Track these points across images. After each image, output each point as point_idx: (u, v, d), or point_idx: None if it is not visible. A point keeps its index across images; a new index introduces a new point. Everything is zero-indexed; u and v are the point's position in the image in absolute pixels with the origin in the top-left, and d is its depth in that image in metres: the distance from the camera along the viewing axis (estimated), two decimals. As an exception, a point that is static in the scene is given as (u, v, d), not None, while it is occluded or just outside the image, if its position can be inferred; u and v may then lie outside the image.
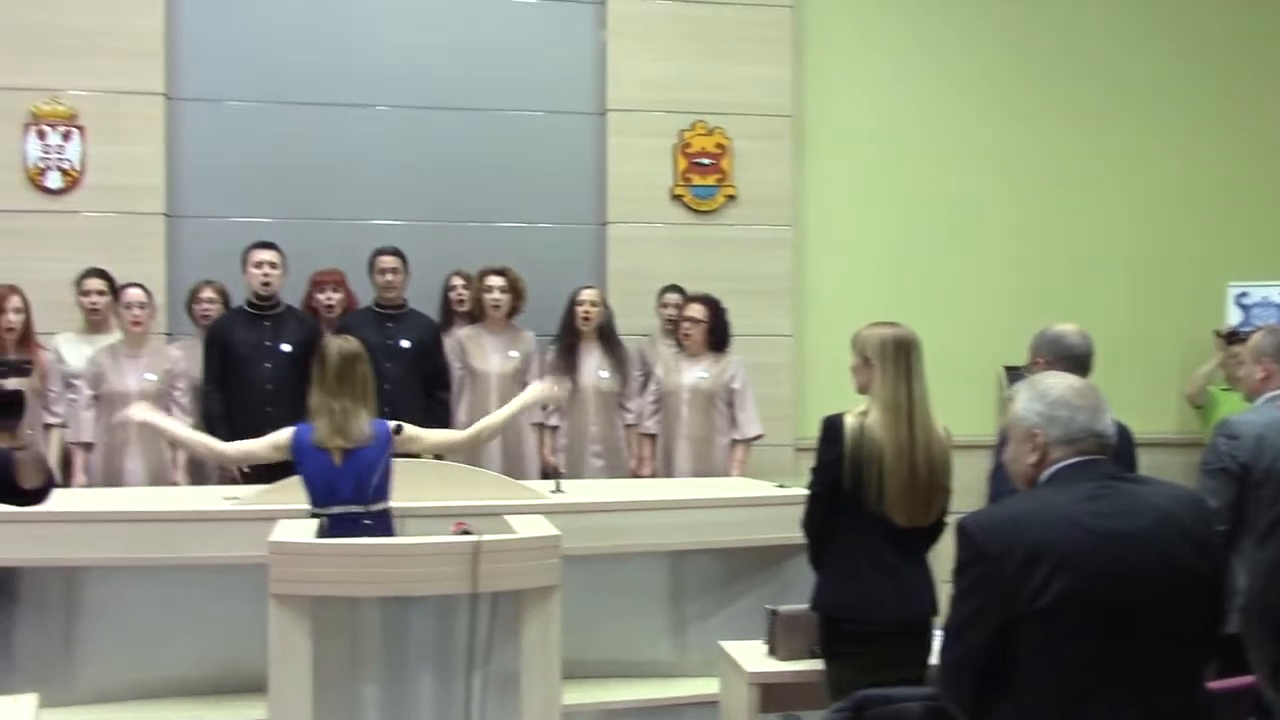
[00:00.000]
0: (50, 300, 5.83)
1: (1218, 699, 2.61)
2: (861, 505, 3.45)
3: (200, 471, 5.83)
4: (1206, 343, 7.15)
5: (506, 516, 4.31)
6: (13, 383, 3.33)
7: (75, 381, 5.67)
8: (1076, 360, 3.70)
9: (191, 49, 6.53)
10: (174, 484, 5.62)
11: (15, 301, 5.56)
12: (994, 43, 7.39)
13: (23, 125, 6.27)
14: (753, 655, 3.87)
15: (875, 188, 7.25)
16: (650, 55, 6.86)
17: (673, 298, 6.41)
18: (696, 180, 6.91)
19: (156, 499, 5.05)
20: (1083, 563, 2.35)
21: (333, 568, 3.77)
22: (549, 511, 4.52)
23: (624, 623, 5.04)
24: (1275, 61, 7.68)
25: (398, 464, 4.26)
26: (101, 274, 5.87)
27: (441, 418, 5.92)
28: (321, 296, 6.14)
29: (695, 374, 6.09)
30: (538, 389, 4.70)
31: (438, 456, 4.93)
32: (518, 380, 6.06)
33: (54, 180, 6.30)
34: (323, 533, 4.02)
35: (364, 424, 4.09)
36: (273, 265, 5.77)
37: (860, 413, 3.52)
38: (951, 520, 3.50)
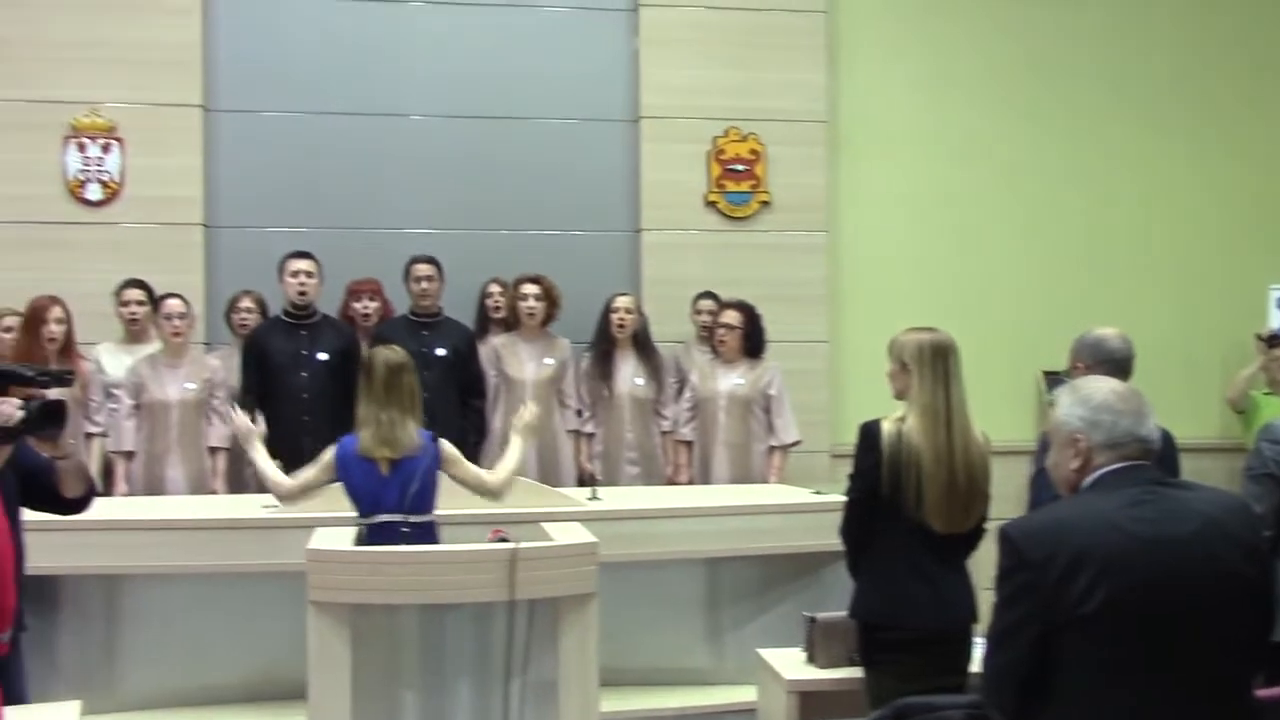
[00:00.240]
0: (90, 311, 5.89)
1: (1265, 707, 2.57)
2: (900, 512, 3.43)
3: (239, 480, 5.87)
4: (1248, 346, 7.07)
5: (543, 524, 4.32)
6: (54, 393, 3.37)
7: (116, 391, 5.71)
8: (1117, 364, 3.66)
9: (227, 61, 6.59)
10: (213, 492, 5.66)
11: (57, 312, 5.61)
12: (1029, 46, 7.34)
13: (63, 138, 6.35)
14: (791, 663, 3.84)
15: (910, 192, 7.22)
16: (683, 62, 6.86)
17: (707, 304, 6.40)
18: (730, 186, 6.90)
19: (196, 507, 5.09)
20: (1127, 569, 2.32)
21: (371, 575, 3.78)
22: (585, 519, 4.53)
23: (660, 630, 5.03)
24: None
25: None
26: (141, 284, 5.92)
27: (477, 425, 5.94)
28: (358, 305, 6.17)
29: (731, 380, 6.08)
30: (525, 420, 4.44)
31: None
32: (553, 388, 6.08)
33: (94, 192, 6.37)
34: (361, 541, 4.03)
35: (411, 434, 4.08)
36: (309, 275, 5.80)
37: (898, 419, 3.49)
38: (991, 527, 3.50)
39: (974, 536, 3.54)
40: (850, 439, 3.63)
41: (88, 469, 3.69)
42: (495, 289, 6.32)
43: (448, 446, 4.19)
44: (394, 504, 4.05)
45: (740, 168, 6.91)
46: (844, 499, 3.66)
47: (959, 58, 7.29)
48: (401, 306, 6.20)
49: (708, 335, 6.28)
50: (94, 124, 6.37)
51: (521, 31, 6.84)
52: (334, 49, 6.69)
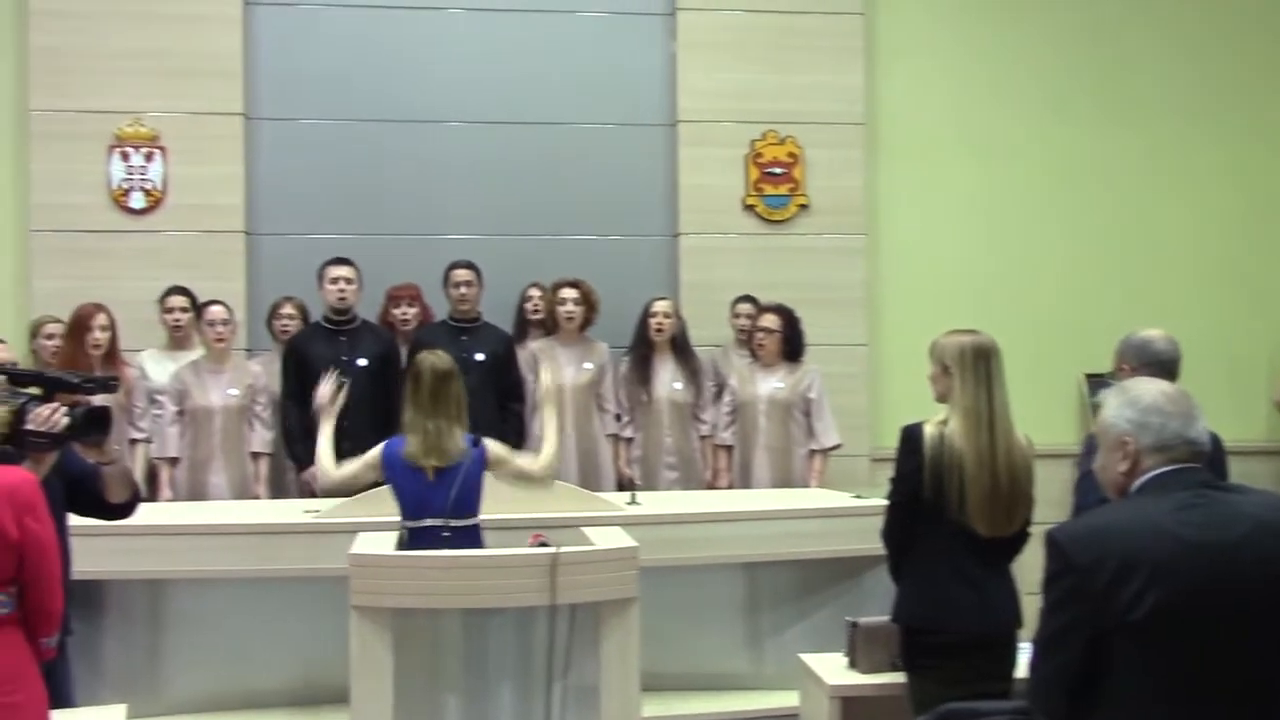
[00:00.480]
0: (134, 318, 5.95)
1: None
2: (942, 515, 3.40)
3: (281, 485, 5.91)
4: (1294, 347, 6.99)
5: (584, 528, 4.32)
6: (99, 399, 3.41)
7: (160, 397, 5.77)
8: (1164, 366, 3.61)
9: (268, 69, 6.64)
10: (256, 497, 5.70)
11: (101, 320, 5.67)
12: (1066, 45, 7.27)
13: (107, 147, 6.41)
14: (833, 668, 3.82)
15: (949, 194, 7.17)
16: (720, 66, 6.85)
17: (745, 308, 6.39)
18: (768, 190, 6.89)
19: (239, 512, 5.12)
20: (1177, 574, 2.29)
21: (412, 580, 3.80)
22: (625, 523, 4.53)
23: (699, 635, 5.02)
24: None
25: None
26: (184, 291, 5.98)
27: (516, 430, 5.95)
28: (397, 312, 6.20)
29: (771, 384, 6.06)
30: (545, 385, 4.51)
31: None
32: (591, 392, 6.09)
33: (137, 200, 6.43)
34: (403, 545, 4.05)
35: (458, 441, 4.09)
36: (348, 281, 5.84)
37: (940, 421, 3.46)
38: (1034, 530, 3.47)
39: (1018, 540, 3.51)
40: (890, 443, 3.61)
41: (132, 475, 3.72)
42: (534, 293, 6.34)
43: (493, 447, 4.21)
44: (439, 508, 4.06)
45: (778, 171, 6.89)
46: (885, 503, 3.64)
47: (996, 58, 7.24)
48: (441, 311, 6.22)
49: (746, 339, 6.26)
50: (137, 133, 6.43)
51: (559, 36, 6.86)
52: (373, 56, 6.73)
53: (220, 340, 5.75)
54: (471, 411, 4.24)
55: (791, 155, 6.90)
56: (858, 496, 5.35)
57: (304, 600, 4.64)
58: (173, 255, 6.36)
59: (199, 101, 6.46)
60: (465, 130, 6.79)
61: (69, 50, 6.36)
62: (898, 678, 3.62)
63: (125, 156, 6.43)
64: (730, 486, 6.10)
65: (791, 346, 6.08)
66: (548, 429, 4.40)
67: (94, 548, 4.03)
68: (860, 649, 3.78)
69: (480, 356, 5.90)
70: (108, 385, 3.49)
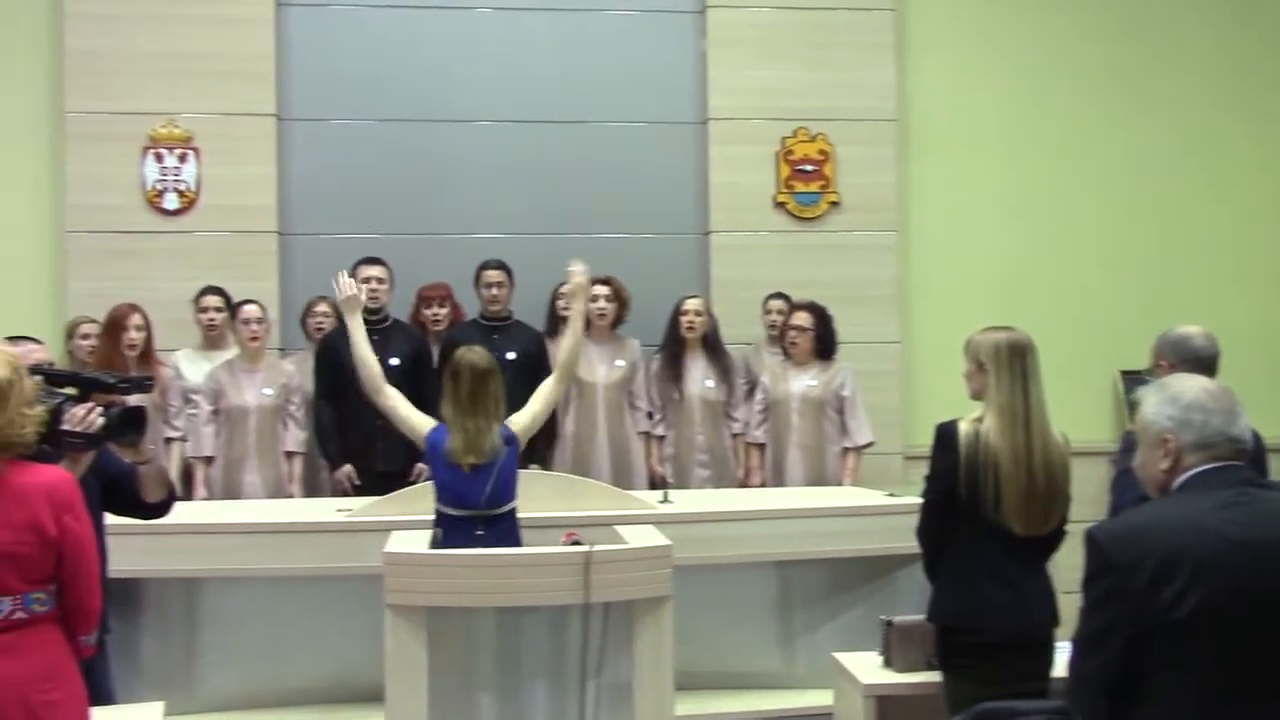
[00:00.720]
0: (168, 318, 5.99)
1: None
2: (978, 514, 3.38)
3: (315, 484, 5.94)
4: (1334, 343, 6.90)
5: (616, 527, 4.32)
6: (134, 399, 3.43)
7: (194, 396, 5.80)
8: (1202, 363, 3.57)
9: (299, 70, 6.68)
10: (290, 497, 5.73)
11: (136, 320, 5.71)
12: (1098, 39, 7.22)
13: (141, 149, 6.46)
14: (868, 667, 3.80)
15: (981, 190, 7.13)
16: (751, 63, 6.84)
17: (777, 305, 6.37)
18: (799, 187, 6.86)
19: (273, 511, 5.15)
20: (1220, 573, 2.26)
21: (447, 578, 3.81)
22: (658, 522, 4.53)
23: (732, 633, 5.00)
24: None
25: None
26: (219, 291, 6.02)
27: (548, 429, 5.93)
28: (428, 312, 6.21)
29: (804, 382, 6.04)
30: (577, 281, 4.59)
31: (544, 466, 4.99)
32: (623, 390, 6.09)
33: (171, 201, 6.48)
34: (436, 544, 4.06)
35: (495, 439, 4.11)
36: (380, 281, 5.85)
37: (975, 419, 3.44)
38: (1071, 529, 3.44)
39: (1054, 538, 3.49)
40: (922, 440, 3.60)
41: (168, 474, 3.75)
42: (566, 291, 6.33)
43: (518, 422, 4.26)
44: (474, 502, 4.08)
45: (809, 168, 6.87)
46: (919, 501, 3.62)
47: (1028, 52, 7.19)
48: (472, 311, 6.23)
49: (778, 336, 6.24)
50: (171, 134, 6.48)
51: (589, 35, 6.86)
52: (403, 57, 6.75)
53: (255, 339, 5.78)
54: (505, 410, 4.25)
55: (822, 152, 6.87)
56: (890, 495, 5.32)
57: (338, 599, 4.65)
58: (206, 256, 6.41)
59: (232, 103, 6.50)
60: (496, 129, 6.80)
61: (103, 53, 6.41)
62: (933, 677, 3.60)
63: (159, 158, 6.47)
64: (763, 484, 6.08)
65: (824, 344, 6.06)
66: (571, 328, 4.55)
67: (130, 546, 4.06)
68: (895, 648, 3.77)
69: (512, 355, 5.89)
70: (143, 385, 3.52)
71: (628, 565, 3.85)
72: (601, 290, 6.09)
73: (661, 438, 6.17)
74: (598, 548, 3.82)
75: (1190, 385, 2.49)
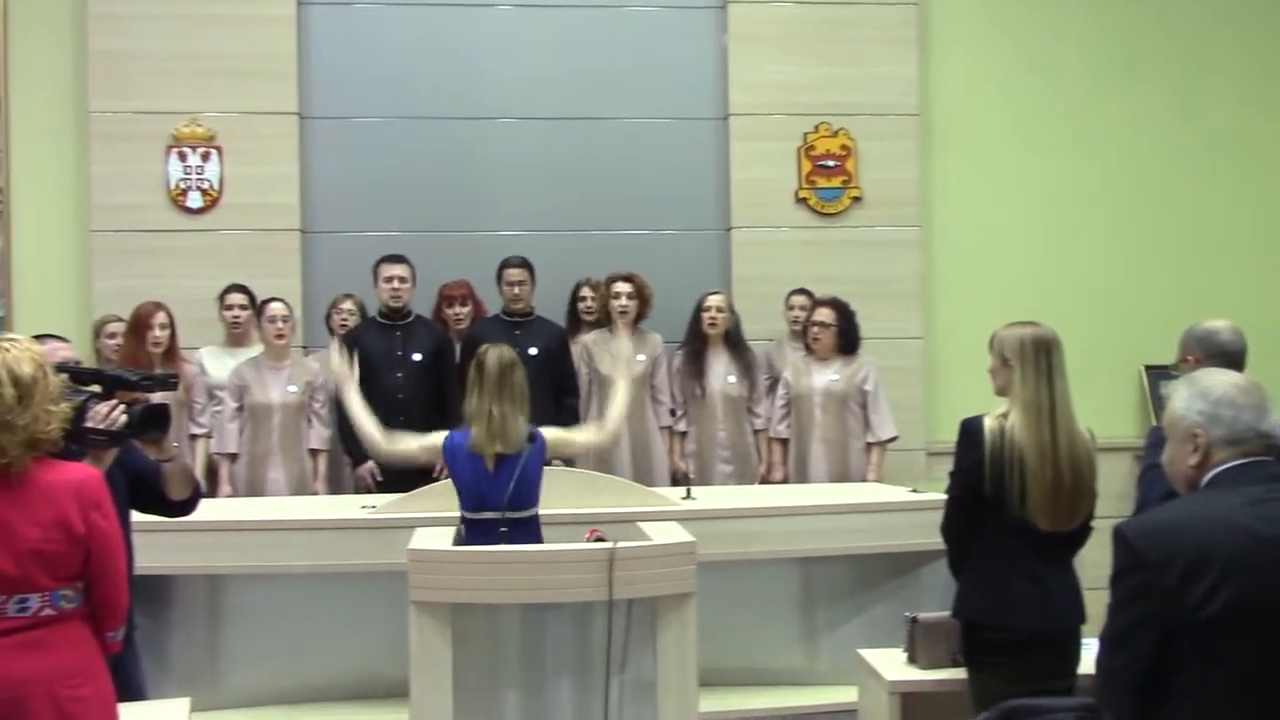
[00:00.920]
0: (192, 316, 6.01)
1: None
2: (1003, 510, 3.36)
3: (339, 481, 5.96)
4: (1361, 336, 6.83)
5: (640, 523, 4.32)
6: (158, 397, 3.44)
7: (219, 393, 5.83)
8: (1229, 358, 3.54)
9: (322, 69, 6.69)
10: (314, 493, 5.75)
11: (161, 318, 5.73)
12: (1121, 32, 7.17)
13: (165, 148, 6.49)
14: (892, 663, 3.79)
15: (1004, 184, 7.09)
16: (772, 58, 6.82)
17: (800, 301, 6.35)
18: (821, 183, 6.84)
19: (297, 508, 5.17)
20: (1250, 570, 2.24)
21: (471, 575, 3.82)
22: (680, 518, 4.52)
23: (755, 630, 5.00)
24: None
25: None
26: (243, 289, 6.04)
27: (570, 424, 5.94)
28: (450, 311, 6.22)
29: (827, 377, 6.02)
30: (625, 359, 4.59)
31: (567, 462, 4.97)
32: (645, 384, 6.08)
33: (194, 200, 6.51)
34: (460, 541, 4.06)
35: (521, 430, 4.11)
36: (402, 280, 5.87)
37: (1000, 415, 3.42)
38: (1097, 525, 3.42)
39: (1080, 535, 3.47)
40: (946, 436, 3.59)
41: (193, 472, 3.76)
42: (588, 292, 6.33)
43: (552, 436, 4.24)
44: (497, 501, 4.07)
45: (831, 163, 6.85)
46: (942, 497, 3.60)
47: (1051, 46, 7.14)
48: (494, 307, 6.24)
49: (801, 332, 6.23)
50: (194, 133, 6.51)
51: (610, 32, 6.85)
52: (425, 54, 6.76)
53: (280, 337, 5.80)
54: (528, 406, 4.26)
55: (844, 147, 6.85)
56: (914, 491, 5.31)
57: (362, 595, 4.67)
58: (229, 254, 6.43)
59: (254, 101, 6.52)
60: (518, 126, 6.81)
61: (127, 53, 6.44)
62: (958, 674, 3.59)
63: (183, 157, 6.50)
64: (785, 480, 6.07)
65: (847, 340, 6.04)
66: (618, 396, 4.43)
67: (155, 543, 4.08)
68: (920, 644, 3.75)
69: (534, 351, 5.90)
70: (167, 383, 3.53)
71: (651, 562, 3.85)
72: (624, 288, 6.09)
73: (684, 434, 6.17)
74: (621, 544, 3.82)
75: (1220, 380, 2.47)
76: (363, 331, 5.95)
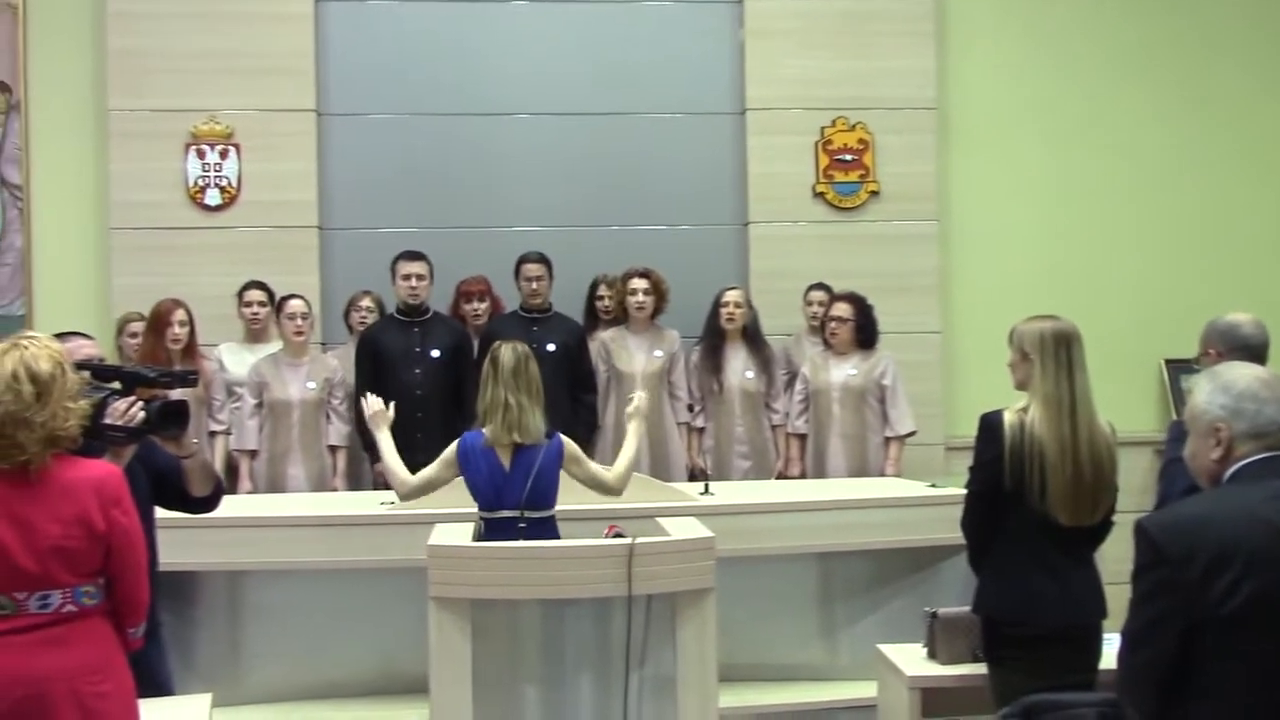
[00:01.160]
0: (211, 313, 6.04)
1: None
2: (1023, 505, 3.35)
3: (358, 478, 5.97)
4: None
5: (658, 519, 4.32)
6: (177, 393, 3.46)
7: (238, 390, 5.85)
8: (1252, 351, 3.51)
9: (339, 66, 6.70)
10: (334, 490, 5.76)
11: (180, 315, 5.75)
12: (1141, 23, 7.12)
13: (183, 145, 6.51)
14: (912, 659, 3.78)
15: (1023, 178, 7.06)
16: (789, 53, 6.79)
17: (818, 295, 6.33)
18: (839, 177, 6.82)
19: (316, 504, 5.18)
20: (1273, 565, 2.23)
21: (490, 571, 3.83)
22: (699, 513, 4.52)
23: (774, 625, 4.99)
24: None
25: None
26: (262, 286, 6.06)
27: (588, 420, 5.96)
28: (468, 307, 6.23)
29: (845, 372, 6.00)
30: (637, 405, 4.54)
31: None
32: (662, 380, 6.08)
33: (213, 197, 6.53)
34: (479, 536, 4.07)
35: (538, 423, 4.12)
36: (420, 277, 5.88)
37: (1020, 409, 3.41)
38: (1118, 520, 3.41)
39: (1102, 529, 3.46)
40: (964, 431, 3.58)
41: (214, 468, 3.77)
42: (605, 291, 6.33)
43: (571, 444, 4.24)
44: (515, 499, 4.07)
45: (848, 158, 6.82)
46: (961, 492, 3.59)
47: (1070, 39, 7.10)
48: (512, 303, 6.24)
49: (819, 327, 6.21)
50: (212, 131, 6.53)
51: (626, 26, 6.84)
52: (441, 50, 6.76)
53: (299, 334, 5.82)
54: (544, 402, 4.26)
55: (862, 141, 6.83)
56: (933, 485, 5.29)
57: (382, 591, 4.68)
58: (247, 251, 6.45)
59: (272, 98, 6.54)
60: (534, 122, 6.81)
61: (145, 51, 6.46)
62: (978, 669, 3.58)
63: (201, 154, 6.52)
64: (803, 475, 6.06)
65: (865, 334, 6.02)
66: (630, 441, 4.42)
67: (175, 540, 4.09)
68: (940, 639, 3.74)
69: (551, 347, 5.90)
70: (186, 379, 3.55)
71: (670, 557, 3.85)
72: (640, 284, 6.09)
73: (701, 429, 6.17)
74: (640, 540, 3.82)
75: (1243, 373, 2.46)
76: (381, 328, 5.97)
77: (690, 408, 6.14)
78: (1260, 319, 3.70)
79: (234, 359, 5.96)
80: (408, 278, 5.88)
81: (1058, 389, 3.39)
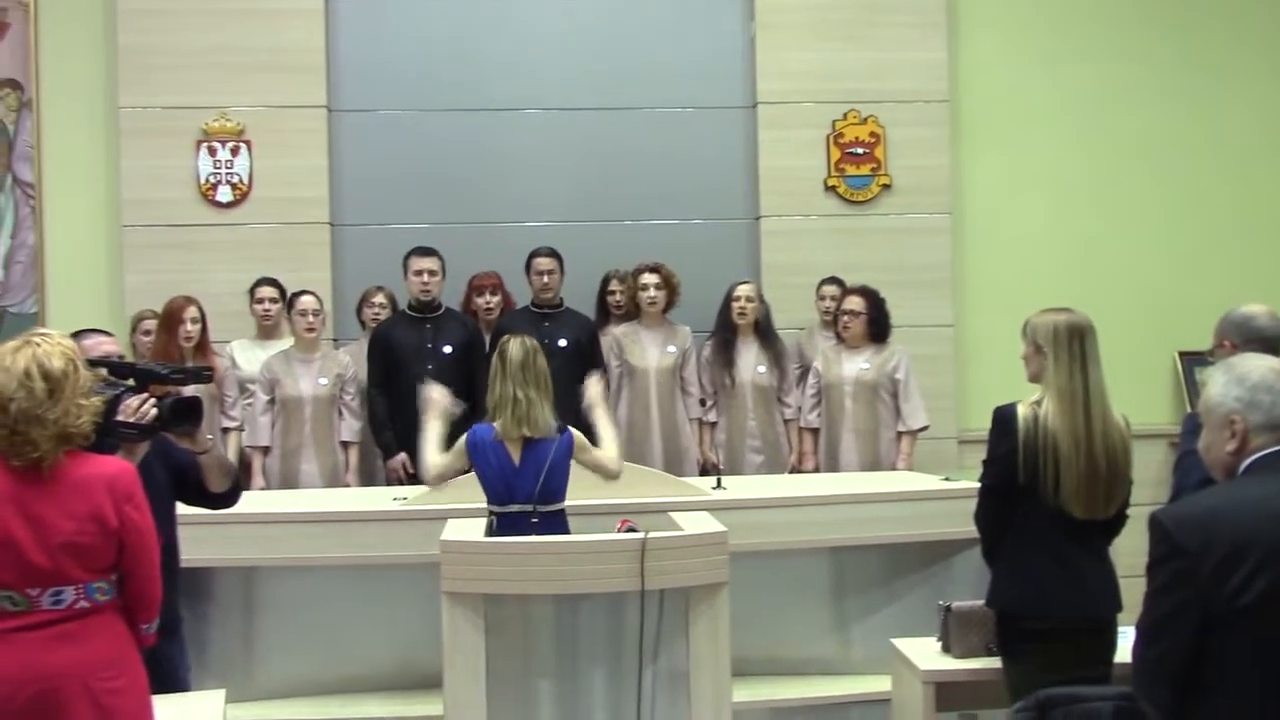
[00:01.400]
0: (222, 310, 6.05)
1: None
2: (1038, 498, 3.35)
3: (370, 473, 5.98)
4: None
5: (671, 514, 4.31)
6: (190, 390, 3.46)
7: (250, 386, 5.86)
8: (1267, 343, 3.48)
9: (350, 62, 6.70)
10: (346, 486, 5.77)
11: (192, 312, 5.76)
12: (1158, 14, 7.08)
13: (195, 142, 6.52)
14: (926, 653, 3.77)
15: (1036, 171, 7.03)
16: (800, 45, 6.77)
17: (831, 290, 6.32)
18: (850, 170, 6.80)
19: (329, 500, 5.19)
20: (1290, 558, 2.22)
21: (503, 566, 3.83)
22: (711, 508, 4.51)
23: (787, 619, 4.99)
24: None
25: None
26: (274, 283, 6.07)
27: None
28: (480, 300, 6.23)
29: (857, 366, 5.99)
30: (592, 392, 4.47)
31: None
32: (675, 375, 6.08)
33: (224, 194, 6.54)
34: (491, 532, 4.07)
35: (548, 416, 4.11)
36: (432, 273, 5.88)
37: (1034, 402, 3.40)
38: (1133, 513, 3.39)
39: (1116, 523, 3.45)
40: (977, 424, 3.58)
41: (230, 464, 3.77)
42: (617, 286, 6.32)
43: (579, 436, 4.23)
44: (525, 493, 4.07)
45: (860, 151, 6.80)
46: (975, 485, 3.59)
47: (1082, 30, 7.06)
48: (523, 298, 6.24)
49: (832, 321, 6.20)
50: (224, 128, 6.54)
51: (637, 21, 6.83)
52: (452, 46, 6.75)
53: (311, 330, 5.82)
54: (554, 396, 4.24)
55: (873, 134, 6.81)
56: (946, 479, 5.28)
57: (394, 586, 4.68)
58: (259, 247, 6.46)
59: (283, 95, 6.54)
60: (545, 117, 6.80)
61: (156, 48, 6.47)
62: (992, 663, 3.58)
63: (212, 151, 6.53)
64: (816, 469, 6.05)
65: (877, 328, 6.01)
66: (603, 426, 4.38)
67: (189, 536, 4.08)
68: (953, 633, 3.73)
69: (563, 342, 5.90)
70: (201, 376, 3.56)
71: (684, 552, 3.84)
72: (651, 279, 6.09)
73: (714, 424, 6.16)
74: (653, 534, 3.82)
75: (1258, 365, 2.44)
76: (393, 324, 5.97)
77: (702, 402, 6.13)
78: (1276, 311, 3.68)
79: (246, 356, 5.97)
80: (419, 274, 5.88)
81: (1071, 382, 3.38)
